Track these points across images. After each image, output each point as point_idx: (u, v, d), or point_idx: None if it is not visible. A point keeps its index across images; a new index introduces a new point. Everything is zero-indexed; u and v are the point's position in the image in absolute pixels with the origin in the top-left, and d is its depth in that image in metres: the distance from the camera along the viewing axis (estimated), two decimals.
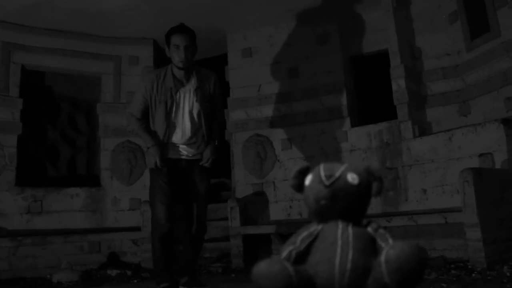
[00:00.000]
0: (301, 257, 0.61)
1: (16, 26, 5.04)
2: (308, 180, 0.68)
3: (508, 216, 3.44)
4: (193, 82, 3.17)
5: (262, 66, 5.53)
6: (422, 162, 4.41)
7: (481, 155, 3.93)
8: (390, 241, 0.58)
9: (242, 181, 5.42)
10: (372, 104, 5.37)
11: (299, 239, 0.62)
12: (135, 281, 4.16)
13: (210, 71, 3.32)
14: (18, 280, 4.29)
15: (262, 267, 0.59)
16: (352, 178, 0.61)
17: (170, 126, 3.12)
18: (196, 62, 3.27)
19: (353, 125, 5.02)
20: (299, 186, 0.72)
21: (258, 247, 4.55)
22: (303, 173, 0.71)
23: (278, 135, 5.31)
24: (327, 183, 0.62)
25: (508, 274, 2.87)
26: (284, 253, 0.61)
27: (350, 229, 0.60)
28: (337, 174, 0.62)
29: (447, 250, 4.05)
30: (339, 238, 0.59)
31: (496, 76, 4.23)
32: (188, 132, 3.15)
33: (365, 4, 5.06)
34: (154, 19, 5.17)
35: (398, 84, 4.71)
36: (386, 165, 4.67)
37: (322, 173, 0.64)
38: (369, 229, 0.60)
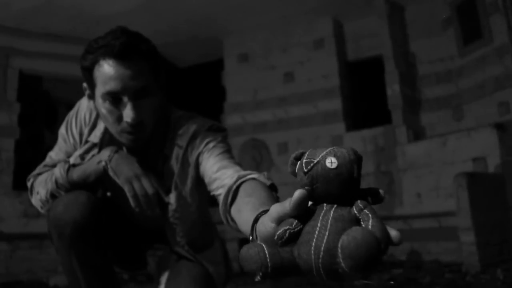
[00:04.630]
0: (295, 237, 0.64)
1: (14, 30, 5.05)
2: (297, 167, 0.71)
3: (501, 219, 3.49)
4: (158, 162, 1.42)
5: (258, 71, 5.57)
6: (417, 167, 4.46)
7: (474, 159, 3.98)
8: (370, 222, 0.61)
9: None
10: (367, 109, 5.42)
11: (295, 220, 0.65)
12: (132, 284, 4.17)
13: (195, 120, 1.42)
14: (15, 284, 4.30)
15: (243, 250, 0.62)
16: (330, 162, 0.63)
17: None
18: (171, 99, 1.52)
19: (348, 129, 5.07)
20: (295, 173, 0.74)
21: None
22: (298, 159, 0.74)
23: (274, 140, 5.35)
24: (305, 169, 0.65)
25: (501, 277, 2.90)
26: (279, 231, 0.65)
27: (332, 212, 0.63)
28: (315, 160, 0.65)
29: (441, 254, 4.09)
30: (320, 220, 0.62)
31: (488, 81, 4.29)
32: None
33: (360, 10, 5.12)
34: (152, 25, 5.19)
35: (393, 89, 4.77)
36: (381, 169, 4.72)
37: (304, 160, 0.67)
38: (354, 209, 0.62)
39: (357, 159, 0.62)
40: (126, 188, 1.26)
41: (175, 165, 1.39)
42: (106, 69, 1.23)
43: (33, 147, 5.42)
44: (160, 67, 1.34)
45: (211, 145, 1.35)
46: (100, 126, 1.41)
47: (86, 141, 1.43)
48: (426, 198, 4.34)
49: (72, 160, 1.40)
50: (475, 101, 4.47)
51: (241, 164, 1.31)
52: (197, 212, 1.45)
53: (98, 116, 1.43)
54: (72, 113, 1.48)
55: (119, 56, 1.22)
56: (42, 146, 5.55)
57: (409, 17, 5.11)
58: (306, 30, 5.42)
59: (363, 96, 5.45)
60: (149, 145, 1.39)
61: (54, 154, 1.48)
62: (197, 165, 1.37)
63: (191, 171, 1.38)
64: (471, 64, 4.50)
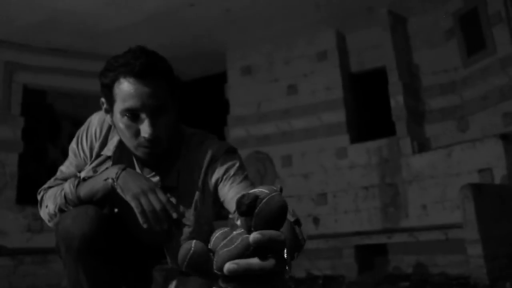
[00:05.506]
0: None
1: (18, 45, 5.09)
2: None
3: (508, 231, 3.44)
4: (171, 177, 1.44)
5: (262, 84, 5.58)
6: (422, 178, 4.43)
7: (480, 170, 3.95)
8: (228, 248, 0.69)
9: None
10: (371, 121, 5.40)
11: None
12: None
13: (214, 142, 1.48)
14: None
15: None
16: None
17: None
18: (183, 118, 1.57)
19: (353, 141, 5.04)
20: None
21: None
22: None
23: (278, 152, 5.33)
24: None
25: None
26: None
27: (234, 232, 0.73)
28: None
29: (448, 266, 4.04)
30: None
31: (493, 92, 4.27)
32: None
33: (362, 21, 5.13)
34: (154, 38, 5.22)
35: (396, 101, 4.76)
36: (385, 181, 4.68)
37: None
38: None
39: (252, 201, 0.68)
40: (133, 205, 1.28)
41: (191, 184, 1.42)
42: (126, 87, 1.28)
43: (36, 161, 5.42)
44: (176, 86, 1.39)
45: (231, 171, 1.40)
46: (114, 140, 1.45)
47: (98, 155, 1.47)
48: (431, 210, 4.31)
49: (84, 173, 1.43)
50: (479, 112, 4.45)
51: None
52: (209, 231, 1.47)
53: (109, 130, 1.48)
54: (82, 128, 1.53)
55: (139, 75, 1.27)
56: (45, 160, 5.56)
57: (412, 28, 5.12)
58: (309, 42, 5.43)
59: (367, 108, 5.44)
60: (162, 159, 1.42)
61: (64, 168, 1.53)
62: (216, 189, 1.42)
63: (211, 194, 1.43)
64: (475, 75, 4.49)
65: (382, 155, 4.77)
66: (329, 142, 5.11)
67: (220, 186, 1.40)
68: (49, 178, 1.56)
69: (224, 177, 1.39)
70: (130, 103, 1.28)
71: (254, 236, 0.65)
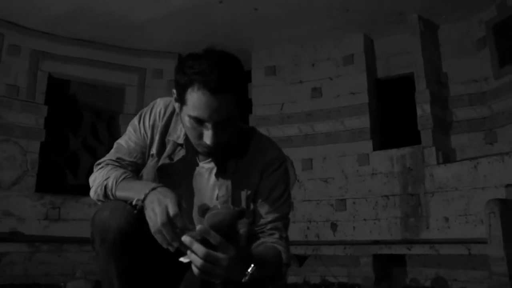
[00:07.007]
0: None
1: (45, 35, 5.13)
2: None
3: None
4: (229, 164, 1.52)
5: (286, 85, 5.52)
6: (446, 190, 4.32)
7: (508, 185, 3.83)
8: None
9: None
10: (396, 128, 5.29)
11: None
12: None
13: (273, 148, 1.60)
14: (32, 286, 4.29)
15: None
16: None
17: None
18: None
19: (375, 148, 4.94)
20: None
21: None
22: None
23: (298, 155, 5.26)
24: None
25: None
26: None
27: None
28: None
29: (469, 283, 3.93)
30: None
31: None
32: None
33: (392, 26, 5.02)
34: (180, 34, 5.21)
35: (423, 109, 4.64)
36: (407, 191, 4.58)
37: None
38: None
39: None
40: (158, 239, 1.29)
41: (246, 175, 1.51)
42: (198, 98, 1.32)
43: (57, 150, 5.46)
44: (244, 97, 1.45)
45: (277, 193, 1.52)
46: (183, 128, 1.51)
47: (163, 136, 1.54)
48: (454, 223, 4.19)
49: (161, 160, 1.51)
50: (509, 125, 4.32)
51: (286, 226, 1.53)
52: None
53: (172, 114, 1.56)
54: (146, 108, 1.61)
55: (212, 90, 1.30)
56: (66, 150, 5.59)
57: (442, 36, 4.99)
58: (335, 45, 5.35)
59: (392, 115, 5.33)
60: (222, 151, 1.49)
61: (123, 142, 1.58)
62: (255, 195, 1.51)
63: (253, 192, 1.53)
64: (507, 86, 4.35)
65: (405, 164, 4.66)
66: (352, 148, 5.02)
67: (261, 201, 1.49)
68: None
69: (269, 194, 1.50)
70: (199, 113, 1.33)
71: (198, 227, 1.16)
